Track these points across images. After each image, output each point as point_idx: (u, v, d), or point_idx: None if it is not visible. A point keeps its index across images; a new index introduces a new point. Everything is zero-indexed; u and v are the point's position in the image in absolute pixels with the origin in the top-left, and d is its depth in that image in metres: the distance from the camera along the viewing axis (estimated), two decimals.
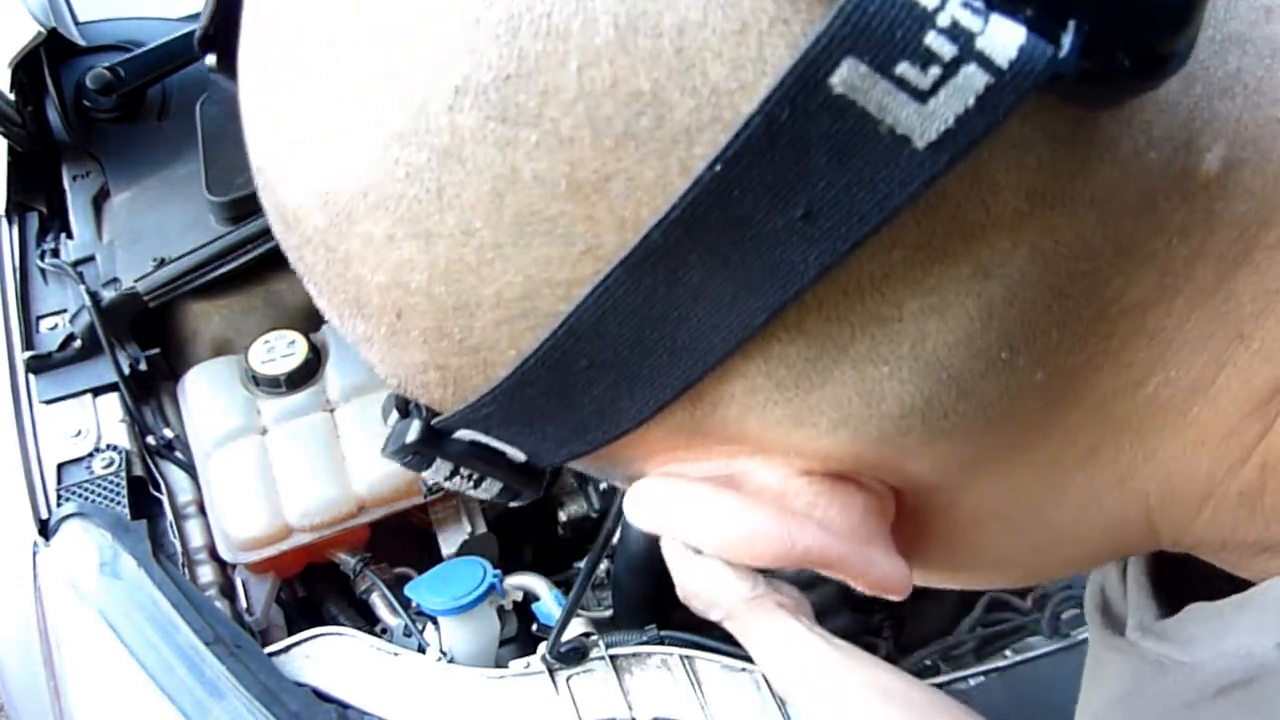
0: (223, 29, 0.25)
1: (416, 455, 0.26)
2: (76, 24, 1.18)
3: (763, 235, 0.19)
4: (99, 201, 1.14)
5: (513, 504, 0.28)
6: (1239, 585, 0.25)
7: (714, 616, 0.80)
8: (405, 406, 0.27)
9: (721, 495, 0.24)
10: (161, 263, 1.06)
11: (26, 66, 1.09)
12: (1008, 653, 0.95)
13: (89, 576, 0.85)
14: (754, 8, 0.18)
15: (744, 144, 0.18)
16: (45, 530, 0.89)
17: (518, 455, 0.26)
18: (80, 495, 0.92)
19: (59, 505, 0.91)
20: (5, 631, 0.87)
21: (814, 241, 0.19)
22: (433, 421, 0.25)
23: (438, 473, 0.26)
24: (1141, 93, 0.18)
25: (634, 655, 0.86)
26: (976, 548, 0.28)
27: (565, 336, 0.21)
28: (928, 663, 0.97)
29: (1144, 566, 0.30)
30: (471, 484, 0.27)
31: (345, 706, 0.83)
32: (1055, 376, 0.22)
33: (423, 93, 0.20)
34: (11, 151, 1.11)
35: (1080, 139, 0.20)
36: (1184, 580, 0.28)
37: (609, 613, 0.98)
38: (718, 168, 0.18)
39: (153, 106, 1.20)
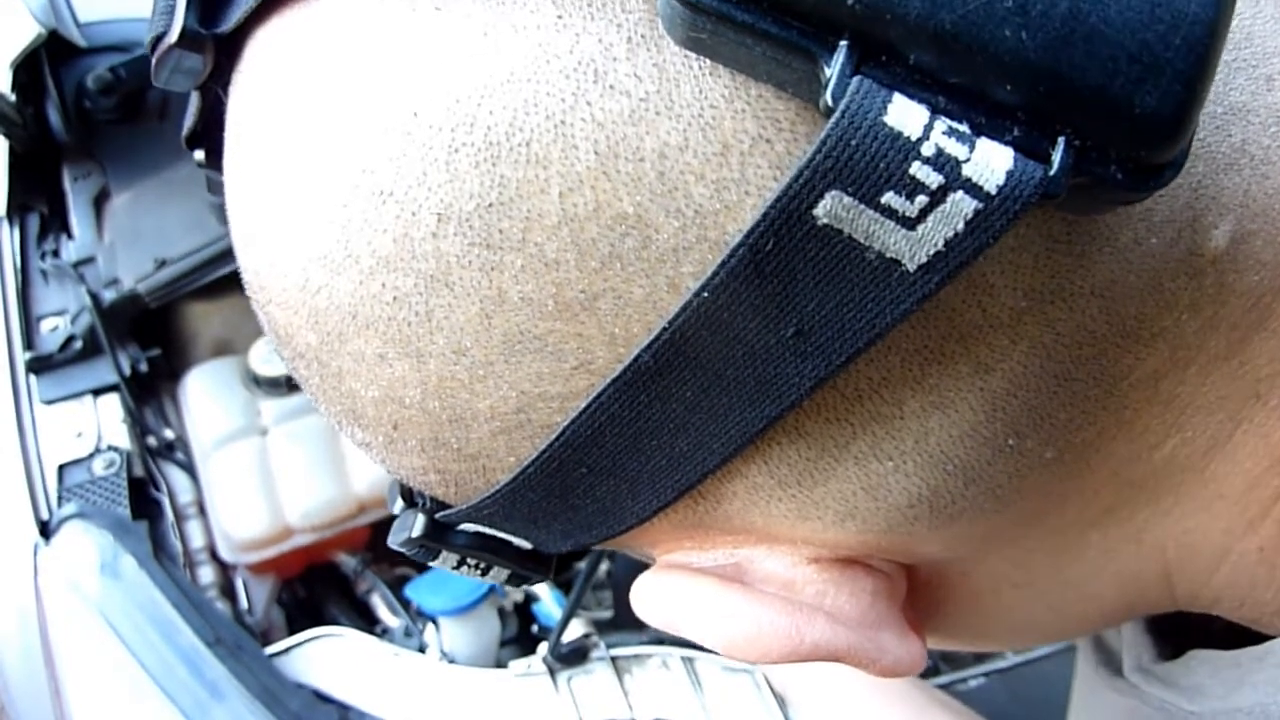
0: (207, 127, 0.25)
1: (422, 548, 0.26)
2: (77, 25, 1.18)
3: (755, 352, 0.19)
4: (100, 202, 1.14)
5: (523, 586, 0.28)
6: (1235, 625, 0.25)
7: None
8: (410, 495, 0.27)
9: (727, 593, 0.23)
10: (162, 264, 1.06)
11: (27, 67, 1.09)
12: (1008, 653, 0.95)
13: (90, 577, 0.85)
14: (735, 129, 0.18)
15: (730, 272, 0.18)
16: (46, 531, 0.89)
17: (523, 544, 0.26)
18: (81, 496, 0.92)
19: (59, 506, 0.91)
20: (5, 631, 0.86)
21: (807, 357, 0.19)
22: (437, 515, 0.25)
23: (444, 563, 0.26)
24: (1137, 201, 0.18)
25: (634, 655, 0.86)
26: (993, 613, 0.27)
27: (562, 447, 0.21)
28: (928, 663, 0.97)
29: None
30: (479, 572, 0.27)
31: (346, 707, 0.83)
32: (1066, 452, 0.22)
33: (406, 220, 0.19)
34: (12, 152, 1.11)
35: (1077, 236, 0.19)
36: (1179, 616, 0.27)
37: (609, 613, 0.98)
38: (705, 294, 0.18)
39: (153, 107, 1.20)
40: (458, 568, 0.27)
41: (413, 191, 0.19)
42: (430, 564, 0.27)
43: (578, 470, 0.22)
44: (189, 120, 0.25)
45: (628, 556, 0.99)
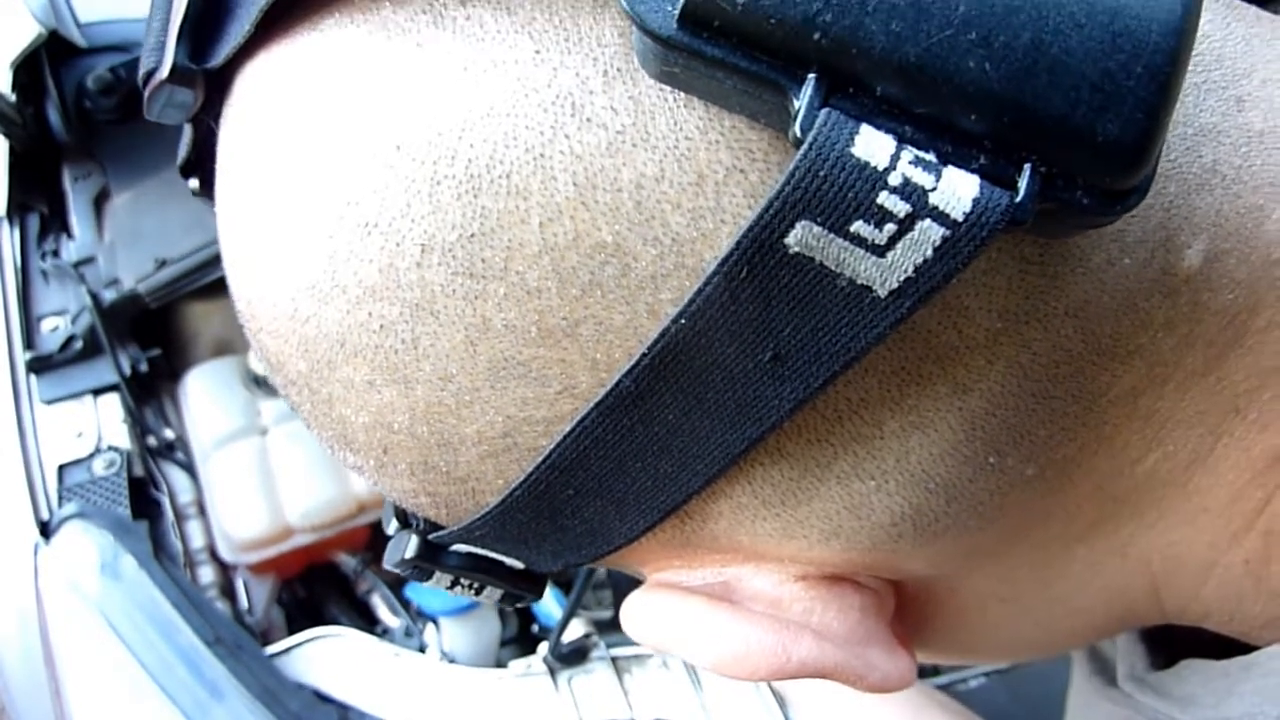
0: (201, 157, 0.25)
1: (416, 569, 0.26)
2: (78, 25, 1.18)
3: (734, 376, 0.19)
4: (100, 202, 1.14)
5: (517, 605, 0.29)
6: (1229, 638, 0.25)
7: None
8: (404, 516, 0.27)
9: (715, 611, 0.24)
10: (163, 263, 1.06)
11: (27, 67, 1.09)
12: None
13: (90, 577, 0.85)
14: (709, 160, 0.18)
15: (706, 299, 0.18)
16: (46, 531, 0.89)
17: (516, 563, 0.26)
18: (81, 496, 0.92)
19: (60, 506, 0.91)
20: (6, 631, 0.86)
21: (785, 380, 0.19)
22: (429, 537, 0.26)
23: (439, 583, 0.27)
24: (1104, 225, 0.18)
25: (634, 655, 0.86)
26: (981, 628, 0.27)
27: (549, 470, 0.21)
28: (928, 663, 0.97)
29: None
30: (473, 592, 0.27)
31: (346, 707, 0.83)
32: (1047, 468, 0.22)
33: (391, 251, 0.20)
34: (12, 152, 1.11)
35: (1049, 258, 0.19)
36: (1171, 626, 0.27)
37: (609, 613, 0.98)
38: (683, 321, 0.18)
39: None
40: (451, 587, 0.27)
41: (397, 223, 0.19)
42: (424, 584, 0.27)
43: (565, 492, 0.22)
44: (183, 151, 0.26)
45: None
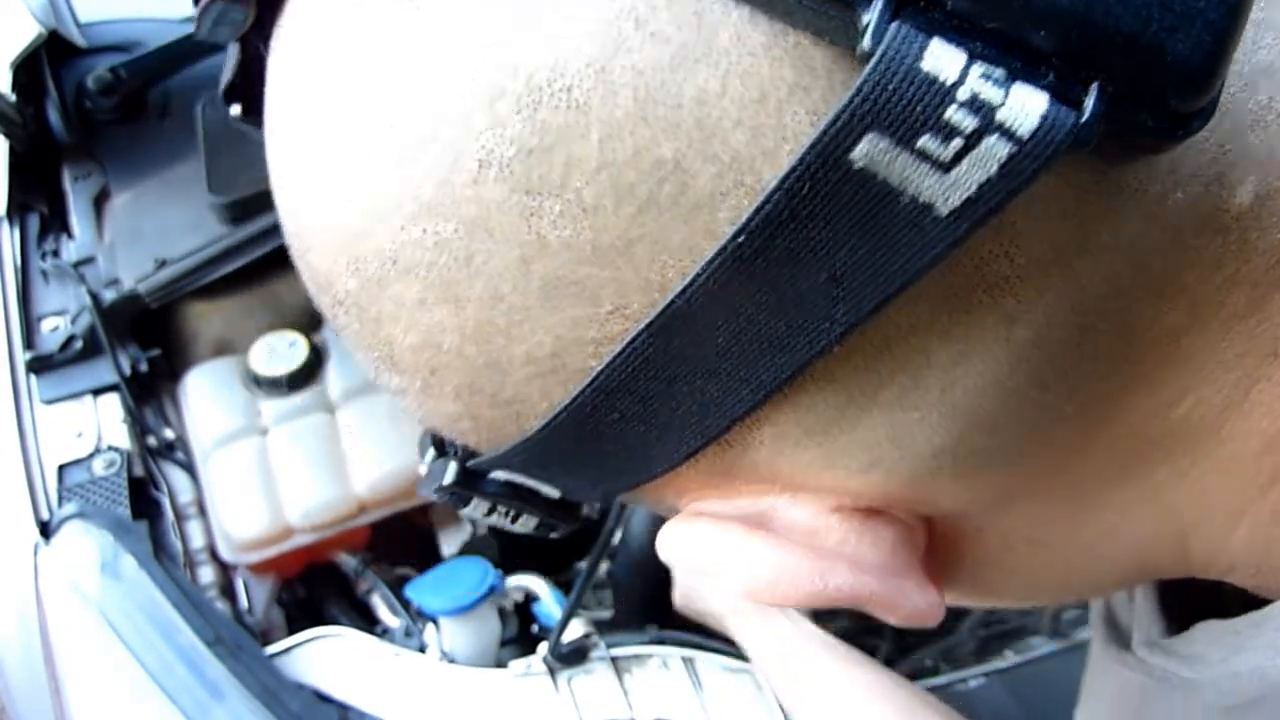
0: (246, 80, 0.25)
1: (454, 495, 0.26)
2: (78, 25, 1.18)
3: (787, 298, 0.19)
4: (100, 202, 1.14)
5: (551, 535, 0.29)
6: (1250, 604, 0.25)
7: (709, 622, 0.80)
8: (441, 444, 0.27)
9: (752, 537, 0.24)
10: (163, 264, 1.06)
11: (27, 67, 1.09)
12: (1008, 653, 0.95)
13: (90, 577, 0.85)
14: (772, 76, 0.18)
15: (765, 217, 0.18)
16: (46, 531, 0.89)
17: (552, 492, 0.27)
18: (81, 496, 0.92)
19: (60, 506, 0.91)
20: (5, 631, 0.86)
21: (839, 303, 0.19)
22: (468, 463, 0.26)
23: (475, 510, 0.27)
24: (1166, 150, 0.18)
25: (634, 656, 0.87)
26: (1008, 569, 0.27)
27: (595, 393, 0.21)
28: (928, 663, 0.97)
29: (1153, 580, 0.29)
30: (509, 519, 0.27)
31: (346, 707, 0.83)
32: (1087, 405, 0.22)
33: (448, 166, 0.20)
34: (12, 152, 1.11)
35: (1105, 188, 0.19)
36: (1191, 595, 0.27)
37: (609, 613, 0.98)
38: (741, 239, 0.18)
39: (154, 107, 1.20)
40: (488, 514, 0.27)
41: (455, 137, 0.19)
42: (460, 511, 0.27)
43: (610, 416, 0.22)
44: (226, 74, 0.25)
45: (628, 557, 0.99)
